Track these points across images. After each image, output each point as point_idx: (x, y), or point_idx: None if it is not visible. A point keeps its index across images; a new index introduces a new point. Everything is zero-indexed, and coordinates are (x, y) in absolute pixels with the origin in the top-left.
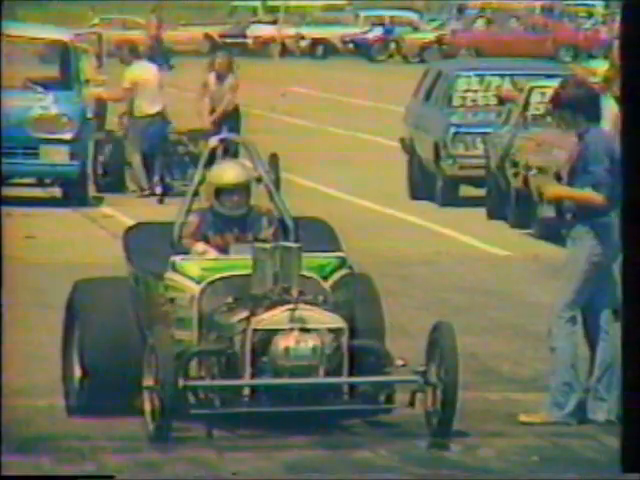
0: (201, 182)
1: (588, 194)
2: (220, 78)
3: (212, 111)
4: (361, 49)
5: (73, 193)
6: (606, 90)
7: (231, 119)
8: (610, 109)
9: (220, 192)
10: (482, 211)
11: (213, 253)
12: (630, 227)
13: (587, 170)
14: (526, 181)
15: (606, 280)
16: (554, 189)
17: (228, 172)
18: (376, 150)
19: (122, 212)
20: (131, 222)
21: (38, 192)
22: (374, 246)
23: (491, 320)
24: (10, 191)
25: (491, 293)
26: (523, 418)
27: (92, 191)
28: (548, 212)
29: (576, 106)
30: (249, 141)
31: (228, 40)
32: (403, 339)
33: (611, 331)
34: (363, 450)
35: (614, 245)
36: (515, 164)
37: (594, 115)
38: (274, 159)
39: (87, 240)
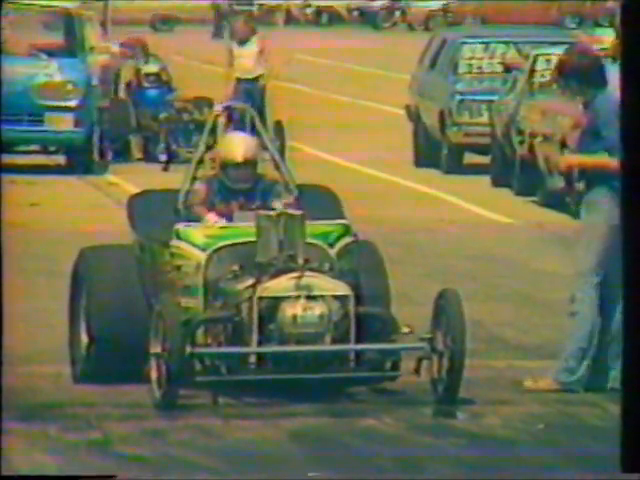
0: (206, 150)
1: (604, 159)
2: (242, 44)
3: (238, 79)
4: (366, 17)
5: (78, 160)
6: (614, 57)
7: (256, 87)
8: (617, 76)
9: (227, 166)
10: (487, 179)
11: (224, 223)
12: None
13: (600, 136)
14: (531, 149)
15: (617, 247)
16: (569, 158)
17: (237, 148)
18: (381, 118)
19: (126, 179)
20: (136, 190)
21: (43, 159)
22: (378, 214)
23: (496, 287)
24: (15, 158)
25: (495, 260)
26: (528, 384)
27: (96, 158)
28: (558, 183)
29: (582, 74)
30: (252, 109)
31: (234, 7)
32: (407, 306)
33: (620, 299)
34: (368, 418)
35: None
36: (520, 132)
37: (600, 82)
38: (279, 126)
39: (92, 208)
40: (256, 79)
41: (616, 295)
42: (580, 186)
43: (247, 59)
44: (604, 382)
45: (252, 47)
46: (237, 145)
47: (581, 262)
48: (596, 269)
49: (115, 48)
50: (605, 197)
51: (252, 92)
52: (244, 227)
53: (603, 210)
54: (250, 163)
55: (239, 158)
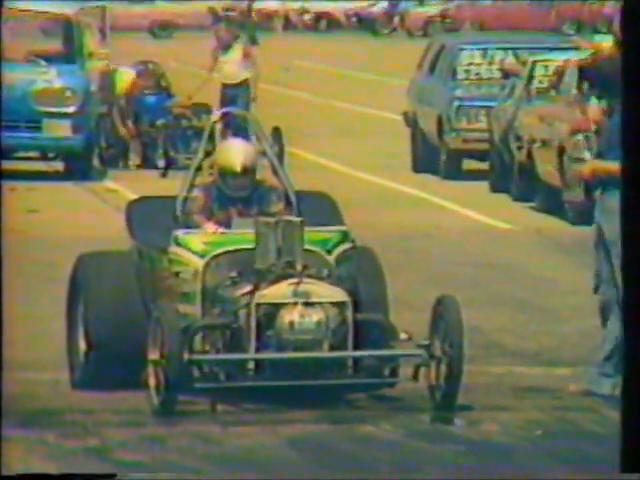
0: (204, 157)
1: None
2: (226, 50)
3: (223, 85)
4: (365, 23)
5: (76, 167)
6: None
7: (241, 92)
8: None
9: (225, 175)
10: (485, 184)
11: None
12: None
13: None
14: (529, 154)
15: None
16: (592, 165)
17: (235, 157)
18: (379, 124)
19: (125, 186)
20: (134, 196)
21: (41, 166)
22: (377, 220)
23: (494, 294)
24: (13, 165)
25: (494, 266)
26: (572, 388)
27: (96, 164)
28: (576, 196)
29: (607, 78)
30: (252, 115)
31: (231, 14)
32: (405, 313)
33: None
34: (366, 424)
35: None
36: (518, 137)
37: (619, 90)
38: (277, 133)
39: (90, 214)
40: (240, 84)
41: (615, 302)
42: (598, 193)
43: (231, 65)
44: (603, 389)
45: (235, 53)
46: (235, 154)
47: (605, 268)
48: (619, 274)
49: (129, 72)
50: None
51: (237, 97)
52: (242, 234)
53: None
54: (249, 171)
55: (238, 168)
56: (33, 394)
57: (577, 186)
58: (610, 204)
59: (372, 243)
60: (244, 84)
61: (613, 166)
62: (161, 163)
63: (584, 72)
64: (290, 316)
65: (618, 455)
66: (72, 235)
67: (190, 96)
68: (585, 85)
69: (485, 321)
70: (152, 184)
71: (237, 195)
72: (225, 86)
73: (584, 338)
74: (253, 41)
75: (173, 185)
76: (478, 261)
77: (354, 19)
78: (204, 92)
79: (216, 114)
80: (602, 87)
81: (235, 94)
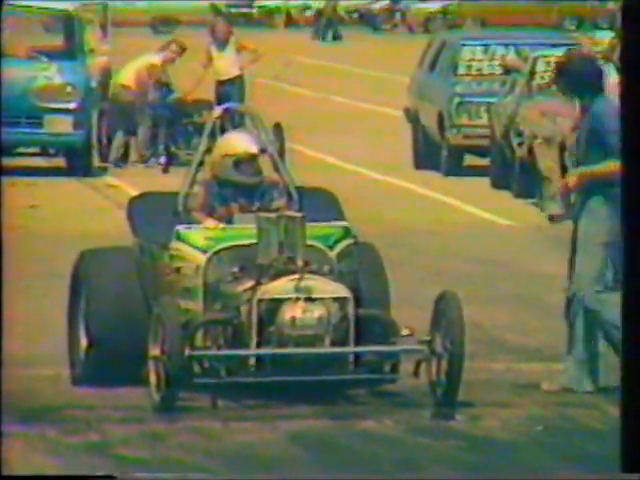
0: (206, 152)
1: (610, 166)
2: (220, 46)
3: (218, 81)
4: (366, 19)
5: (77, 163)
6: (610, 59)
7: (235, 88)
8: (613, 78)
9: (240, 161)
10: (486, 181)
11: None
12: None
13: (602, 142)
14: (531, 151)
15: (616, 250)
16: (576, 172)
17: (248, 142)
18: (380, 120)
19: (126, 182)
20: (135, 192)
21: (42, 162)
22: (378, 216)
23: (495, 290)
24: (14, 161)
25: (495, 263)
26: (545, 386)
27: (96, 161)
28: (554, 209)
29: (581, 77)
30: (254, 110)
31: (233, 10)
32: (407, 309)
33: (594, 305)
34: (367, 420)
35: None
36: (519, 133)
37: (599, 86)
38: (278, 128)
39: (91, 210)
40: (234, 80)
41: (584, 301)
42: (577, 199)
43: (225, 61)
44: (586, 385)
45: (230, 49)
46: (247, 139)
47: (586, 272)
48: (602, 275)
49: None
50: (605, 204)
51: (231, 93)
52: (244, 229)
53: (604, 217)
54: (260, 155)
55: (255, 149)
56: (33, 390)
57: (558, 200)
58: (594, 207)
59: (373, 239)
60: (238, 80)
61: (597, 169)
62: (162, 159)
63: (558, 69)
64: (291, 312)
65: (618, 452)
66: (73, 231)
67: (187, 92)
68: (561, 84)
69: (486, 317)
70: (153, 180)
71: (249, 182)
72: (219, 82)
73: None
74: (336, 37)
75: (174, 181)
76: (479, 257)
77: (355, 15)
78: (201, 88)
79: (218, 110)
80: (577, 86)
81: (229, 90)
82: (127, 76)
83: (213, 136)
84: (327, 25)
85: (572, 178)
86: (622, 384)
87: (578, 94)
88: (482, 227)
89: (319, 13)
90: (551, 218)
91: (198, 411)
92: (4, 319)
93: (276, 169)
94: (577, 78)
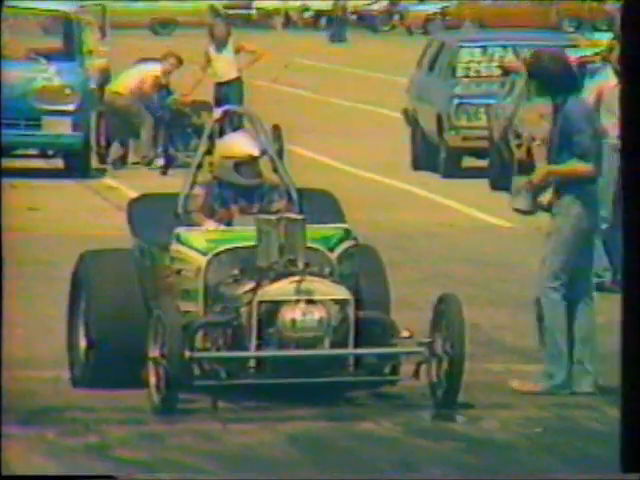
0: (206, 154)
1: (575, 166)
2: (219, 48)
3: (216, 83)
4: (365, 21)
5: (75, 164)
6: (608, 61)
7: (234, 90)
8: (609, 80)
9: (241, 163)
10: (485, 182)
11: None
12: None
13: (571, 141)
14: (529, 152)
15: (587, 249)
16: (542, 170)
17: (249, 144)
18: (379, 121)
19: (125, 183)
20: (134, 194)
21: (41, 163)
22: (376, 218)
23: (494, 291)
24: (13, 162)
25: (494, 264)
26: (515, 384)
27: (94, 162)
28: (520, 203)
29: (551, 77)
30: (253, 112)
31: (232, 11)
32: (406, 310)
33: (588, 301)
34: (366, 421)
35: (597, 213)
36: (518, 135)
37: (570, 86)
38: (277, 130)
39: (90, 212)
40: (232, 82)
41: (580, 297)
42: (545, 198)
43: (224, 63)
44: (584, 386)
45: (229, 50)
46: (247, 142)
47: (546, 266)
48: (557, 274)
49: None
50: (574, 203)
51: (229, 95)
52: (245, 231)
53: (570, 216)
54: (261, 158)
55: (256, 152)
56: (33, 392)
57: (525, 195)
58: (565, 204)
59: (372, 241)
60: (236, 81)
61: (562, 168)
62: (160, 161)
63: (529, 70)
64: (292, 314)
65: (617, 453)
66: (72, 232)
67: (185, 94)
68: (531, 84)
69: (485, 319)
70: (152, 181)
71: (249, 184)
72: (218, 84)
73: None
74: (341, 39)
75: (173, 183)
76: (478, 259)
77: (354, 17)
78: (199, 90)
79: (218, 112)
80: (549, 86)
81: (227, 91)
82: (123, 83)
83: (212, 138)
84: (340, 26)
85: (537, 175)
86: (622, 384)
87: (550, 94)
88: (481, 229)
89: (332, 15)
90: (517, 211)
91: (197, 412)
92: (4, 321)
93: (276, 171)
94: (548, 78)
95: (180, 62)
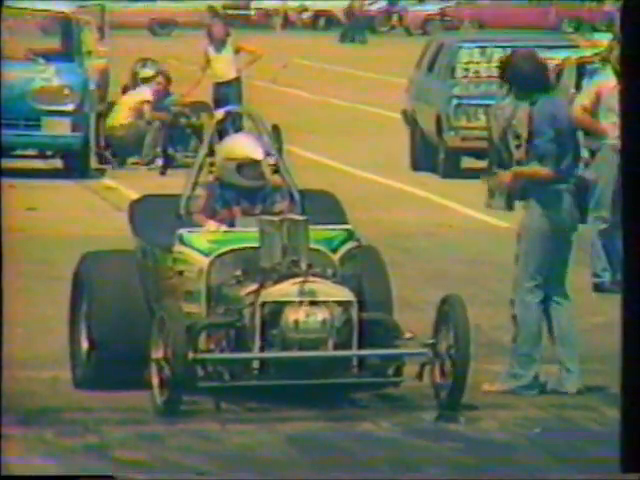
0: (207, 154)
1: (534, 169)
2: (218, 48)
3: (215, 83)
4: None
5: (75, 165)
6: (608, 61)
7: (233, 90)
8: (609, 81)
9: (244, 165)
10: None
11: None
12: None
13: (533, 143)
14: (528, 152)
15: (561, 250)
16: (511, 170)
17: (253, 146)
18: (378, 122)
19: (124, 184)
20: (134, 194)
21: (40, 164)
22: (376, 218)
23: (494, 292)
24: (12, 163)
25: (493, 265)
26: (486, 386)
27: (94, 163)
28: (491, 201)
29: (523, 77)
30: (255, 113)
31: (231, 12)
32: (407, 311)
33: (565, 302)
34: (365, 422)
35: (565, 215)
36: (517, 136)
37: (542, 85)
38: (276, 131)
39: (89, 212)
40: (231, 82)
41: (555, 299)
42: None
43: (223, 63)
44: (569, 386)
45: (228, 50)
46: (251, 143)
47: (520, 268)
48: (531, 274)
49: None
50: (536, 204)
51: (229, 95)
52: (247, 232)
53: (533, 215)
54: (265, 160)
55: (260, 155)
56: (32, 392)
57: (498, 194)
58: (530, 205)
59: (372, 241)
60: (235, 82)
61: (525, 170)
62: (159, 161)
63: (501, 70)
64: (295, 315)
65: (616, 453)
66: (71, 233)
67: (184, 95)
68: (505, 85)
69: (485, 319)
70: (151, 182)
71: (253, 185)
72: (217, 84)
73: (583, 335)
74: (363, 41)
75: (172, 183)
76: (478, 259)
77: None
78: (198, 90)
79: (220, 112)
80: (522, 85)
81: (226, 92)
82: (118, 117)
83: (214, 139)
84: (356, 26)
85: (506, 175)
86: (622, 384)
87: (524, 94)
88: (480, 229)
89: (348, 15)
90: (489, 206)
91: (197, 413)
92: (4, 321)
93: (276, 171)
94: (520, 78)
95: (169, 81)
